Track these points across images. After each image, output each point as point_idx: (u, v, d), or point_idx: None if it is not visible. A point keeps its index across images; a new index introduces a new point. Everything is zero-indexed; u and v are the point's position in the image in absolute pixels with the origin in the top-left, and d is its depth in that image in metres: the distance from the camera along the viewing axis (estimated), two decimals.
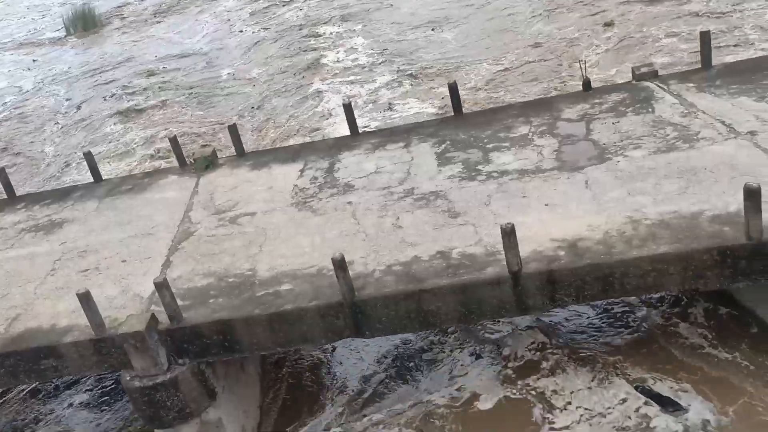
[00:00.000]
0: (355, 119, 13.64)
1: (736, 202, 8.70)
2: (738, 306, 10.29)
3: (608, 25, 21.68)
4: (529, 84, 19.37)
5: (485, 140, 12.24)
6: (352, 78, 22.65)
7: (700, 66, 12.89)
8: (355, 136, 13.58)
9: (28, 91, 27.71)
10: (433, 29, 25.21)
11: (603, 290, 8.77)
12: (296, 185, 12.10)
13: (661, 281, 8.60)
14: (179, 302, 9.38)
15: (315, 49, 25.74)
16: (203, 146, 18.22)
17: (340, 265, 8.79)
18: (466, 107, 15.06)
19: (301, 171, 12.56)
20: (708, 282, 8.61)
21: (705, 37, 12.65)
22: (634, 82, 13.00)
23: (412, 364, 10.92)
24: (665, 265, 8.51)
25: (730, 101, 11.44)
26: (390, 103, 20.34)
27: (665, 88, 12.40)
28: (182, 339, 9.24)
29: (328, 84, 22.58)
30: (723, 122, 10.90)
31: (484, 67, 21.20)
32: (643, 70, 13.03)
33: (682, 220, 8.93)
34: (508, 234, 8.59)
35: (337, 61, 24.34)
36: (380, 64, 23.28)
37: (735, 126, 10.71)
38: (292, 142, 18.15)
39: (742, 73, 12.23)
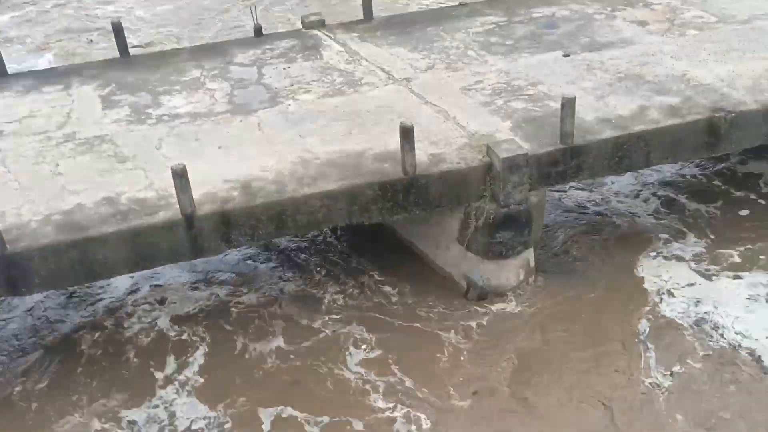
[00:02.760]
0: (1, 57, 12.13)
1: (394, 141, 9.39)
2: (400, 240, 11.23)
3: None
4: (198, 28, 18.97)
5: (155, 83, 11.66)
6: None
7: (362, 17, 13.63)
8: (3, 77, 12.07)
9: None
10: None
11: (277, 228, 8.93)
12: None
13: (331, 216, 9.02)
14: None
15: None
16: None
17: None
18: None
19: None
20: (372, 215, 9.22)
21: None
22: (303, 30, 13.33)
23: None
24: (334, 201, 8.93)
25: (389, 50, 12.29)
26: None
27: (332, 36, 12.92)
28: None
29: None
30: (383, 69, 11.67)
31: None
32: (312, 18, 13.42)
33: (348, 159, 9.42)
34: (180, 176, 8.30)
35: None
36: None
37: (393, 73, 11.54)
38: None
39: (399, 26, 13.20)
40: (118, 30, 12.58)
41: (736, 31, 12.15)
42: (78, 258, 8.32)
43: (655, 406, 8.32)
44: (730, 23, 12.44)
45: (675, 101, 10.21)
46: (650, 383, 8.58)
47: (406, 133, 8.86)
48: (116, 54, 12.81)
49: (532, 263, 9.97)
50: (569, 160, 9.49)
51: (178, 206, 8.53)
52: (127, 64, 12.46)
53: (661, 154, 9.91)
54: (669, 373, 8.69)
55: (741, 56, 11.30)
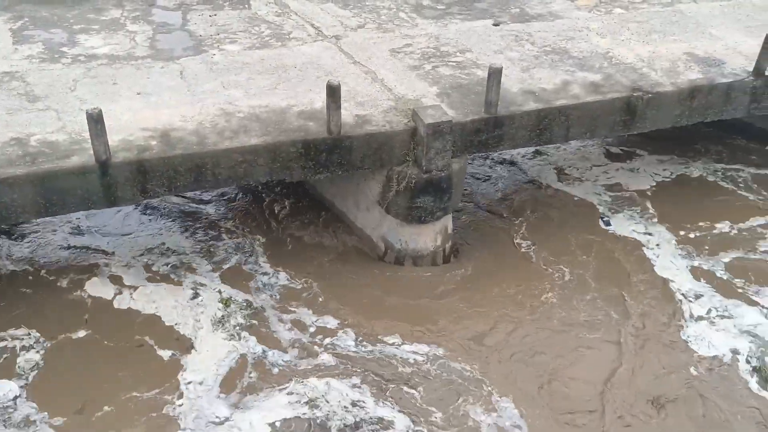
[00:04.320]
0: None
1: (320, 100, 9.29)
2: (319, 199, 11.19)
3: None
4: None
5: (71, 21, 11.12)
6: None
7: None
8: None
9: None
10: None
11: (195, 181, 8.73)
12: None
13: (251, 172, 8.87)
14: None
15: None
16: None
17: None
18: None
19: None
20: (294, 173, 9.13)
21: None
22: None
23: None
24: (255, 156, 8.79)
25: (320, 6, 12.08)
26: None
27: None
28: None
29: None
30: (312, 25, 11.47)
31: None
32: None
33: (272, 114, 9.26)
34: (95, 120, 7.98)
35: None
36: None
37: (323, 29, 11.36)
38: None
39: None
40: None
41: (660, 13, 12.50)
42: None
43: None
44: (655, 5, 12.79)
45: (597, 78, 10.46)
46: None
47: (333, 92, 8.76)
48: None
49: (450, 229, 10.12)
50: (492, 129, 9.62)
51: (92, 152, 8.22)
52: None
53: (580, 129, 10.17)
54: None
55: (662, 38, 11.64)
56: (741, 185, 11.76)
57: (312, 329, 8.92)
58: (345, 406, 7.93)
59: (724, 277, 9.89)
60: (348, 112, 9.26)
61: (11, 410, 7.74)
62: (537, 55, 10.99)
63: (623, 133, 11.13)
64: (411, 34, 11.40)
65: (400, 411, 7.90)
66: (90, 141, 8.15)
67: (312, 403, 7.94)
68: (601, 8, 12.58)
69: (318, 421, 7.76)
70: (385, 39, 11.19)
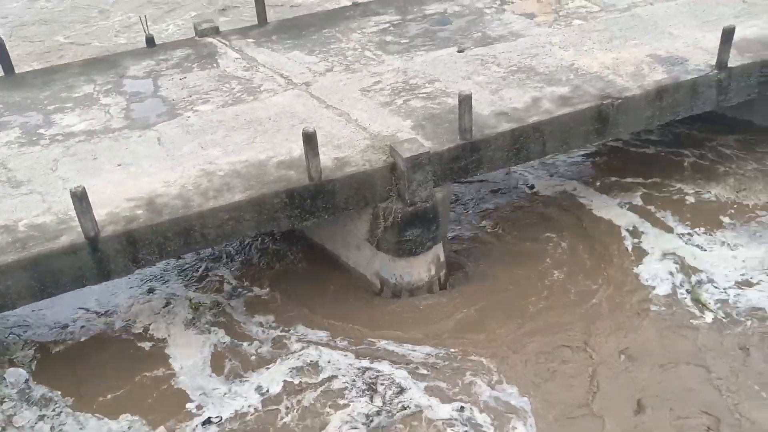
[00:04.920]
0: None
1: (298, 148, 9.42)
2: (311, 244, 11.28)
3: None
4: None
5: (45, 102, 11.27)
6: None
7: (257, 23, 13.55)
8: None
9: None
10: None
11: (185, 243, 8.82)
12: None
13: (239, 228, 8.97)
14: None
15: None
16: None
17: None
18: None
19: None
20: (281, 223, 9.23)
21: None
22: (197, 38, 13.13)
23: None
24: (241, 212, 8.89)
25: (286, 55, 12.28)
26: None
27: (227, 43, 12.79)
28: None
29: None
30: (281, 75, 11.66)
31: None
32: (205, 26, 13.23)
33: (252, 168, 9.39)
34: (80, 198, 8.08)
35: None
36: None
37: (292, 78, 11.55)
38: None
39: (294, 29, 13.20)
40: (0, 48, 12.05)
41: (618, 19, 12.76)
42: None
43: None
44: (612, 12, 13.06)
45: (565, 91, 10.66)
46: None
47: (309, 139, 8.90)
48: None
49: (442, 257, 10.21)
50: (470, 154, 9.77)
51: (80, 229, 8.31)
52: (12, 82, 11.97)
53: (555, 142, 10.34)
54: None
55: (623, 44, 11.89)
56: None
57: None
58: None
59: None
60: (327, 156, 9.40)
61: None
62: (504, 76, 11.19)
63: (599, 141, 11.31)
64: (379, 71, 11.59)
65: None
66: (77, 219, 8.25)
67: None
68: (561, 22, 12.84)
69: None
70: (354, 79, 11.38)
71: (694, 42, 11.73)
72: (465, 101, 9.44)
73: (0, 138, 10.35)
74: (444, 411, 8.45)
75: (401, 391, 8.70)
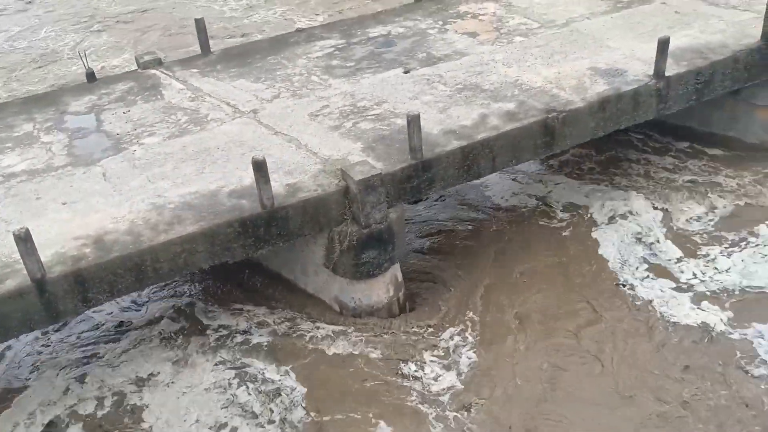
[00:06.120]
0: None
1: (249, 176, 9.31)
2: (267, 272, 11.12)
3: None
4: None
5: None
6: None
7: (200, 52, 13.43)
8: None
9: None
10: None
11: (137, 280, 8.61)
12: None
13: (192, 260, 8.80)
14: None
15: None
16: None
17: None
18: None
19: None
20: (235, 253, 9.09)
21: (200, 24, 13.20)
22: (139, 70, 12.95)
23: None
24: (193, 244, 8.72)
25: (232, 83, 12.18)
26: None
27: (171, 74, 12.63)
28: None
29: None
30: (228, 103, 11.55)
31: None
32: (147, 58, 13.06)
33: (203, 199, 9.24)
34: (24, 239, 7.82)
35: None
36: None
37: (239, 106, 11.45)
38: None
39: (238, 57, 13.12)
40: None
41: (557, 34, 13.02)
42: None
43: None
44: (551, 28, 13.32)
45: (511, 106, 10.79)
46: None
47: (259, 167, 8.81)
48: None
49: (400, 278, 10.18)
50: (422, 174, 9.79)
51: (25, 272, 8.04)
52: None
53: (505, 158, 10.44)
54: None
55: (564, 58, 12.11)
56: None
57: None
58: None
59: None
60: (278, 183, 9.31)
61: None
62: (450, 94, 11.28)
63: (548, 154, 11.46)
64: (326, 95, 11.57)
65: None
66: (22, 261, 7.98)
67: None
68: (503, 39, 13.03)
69: None
70: (301, 104, 11.34)
71: (631, 53, 12.02)
72: (413, 121, 9.47)
73: None
74: None
75: None
